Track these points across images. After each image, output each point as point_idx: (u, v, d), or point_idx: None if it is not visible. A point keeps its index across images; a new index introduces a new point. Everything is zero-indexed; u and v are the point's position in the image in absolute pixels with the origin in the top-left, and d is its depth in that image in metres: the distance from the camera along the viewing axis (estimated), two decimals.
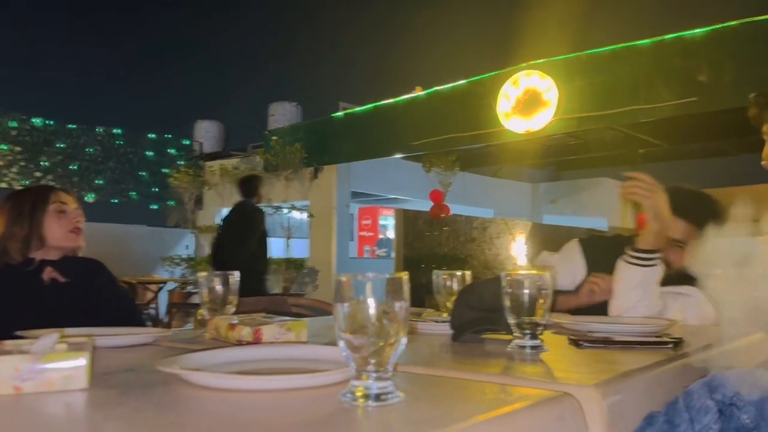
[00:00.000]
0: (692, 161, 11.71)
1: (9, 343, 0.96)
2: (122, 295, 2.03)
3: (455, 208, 9.76)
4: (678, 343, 1.19)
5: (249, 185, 5.88)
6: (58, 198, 1.92)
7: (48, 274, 1.85)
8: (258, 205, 5.88)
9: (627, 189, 1.80)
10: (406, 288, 0.73)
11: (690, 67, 6.29)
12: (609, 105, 6.90)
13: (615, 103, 6.84)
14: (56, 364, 0.81)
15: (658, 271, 1.74)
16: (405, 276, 0.73)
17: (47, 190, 1.95)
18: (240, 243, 5.59)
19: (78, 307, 1.82)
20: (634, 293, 1.72)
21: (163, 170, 11.08)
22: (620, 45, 6.90)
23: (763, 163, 1.21)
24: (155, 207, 11.37)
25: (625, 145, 9.84)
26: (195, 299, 7.97)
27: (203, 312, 1.48)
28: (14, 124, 9.62)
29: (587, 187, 12.09)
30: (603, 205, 12.34)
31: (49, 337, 0.89)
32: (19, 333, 1.23)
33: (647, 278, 1.73)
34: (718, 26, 6.22)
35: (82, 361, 0.82)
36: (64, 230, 1.89)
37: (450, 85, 8.44)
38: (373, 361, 0.71)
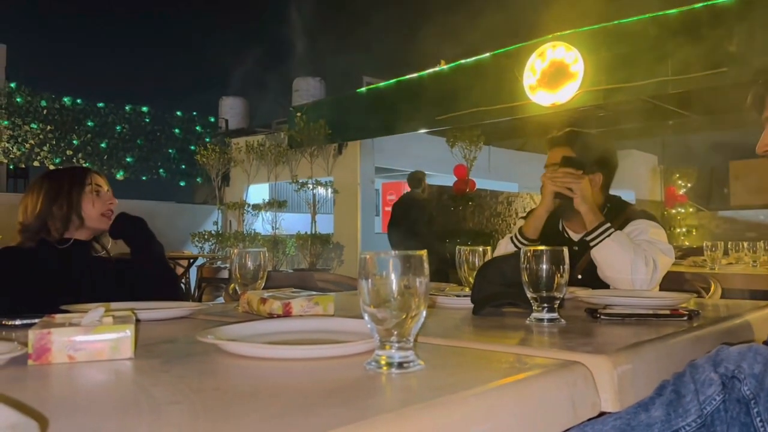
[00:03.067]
0: (722, 132, 11.47)
1: (59, 317, 1.04)
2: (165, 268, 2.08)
3: (480, 183, 9.74)
4: (693, 315, 1.22)
5: (416, 179, 7.39)
6: (94, 179, 1.97)
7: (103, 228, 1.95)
8: (423, 194, 7.38)
9: (556, 180, 1.96)
10: (426, 264, 0.78)
11: (719, 37, 6.15)
12: (637, 76, 6.79)
13: (643, 74, 6.72)
14: (105, 336, 0.88)
15: (620, 233, 1.89)
16: (425, 254, 0.78)
17: (84, 171, 1.99)
18: (411, 227, 7.01)
19: (119, 280, 1.90)
20: (626, 260, 1.81)
21: (190, 147, 11.24)
22: (647, 15, 6.76)
23: (758, 151, 1.24)
24: (183, 184, 11.56)
25: (654, 117, 9.68)
26: (224, 274, 8.13)
27: (235, 287, 1.55)
28: (44, 103, 9.82)
29: None
30: (631, 176, 12.19)
31: (96, 311, 0.96)
32: (65, 307, 1.31)
33: (621, 243, 1.84)
34: None
35: (127, 333, 0.89)
36: (98, 212, 1.94)
37: (474, 58, 8.37)
38: (395, 332, 0.77)
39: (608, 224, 1.89)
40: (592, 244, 1.88)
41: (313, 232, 9.21)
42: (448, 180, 9.47)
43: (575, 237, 2.11)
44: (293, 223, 10.22)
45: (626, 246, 1.84)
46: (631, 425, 0.80)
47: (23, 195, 1.98)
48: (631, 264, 1.80)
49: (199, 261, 8.28)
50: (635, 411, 0.83)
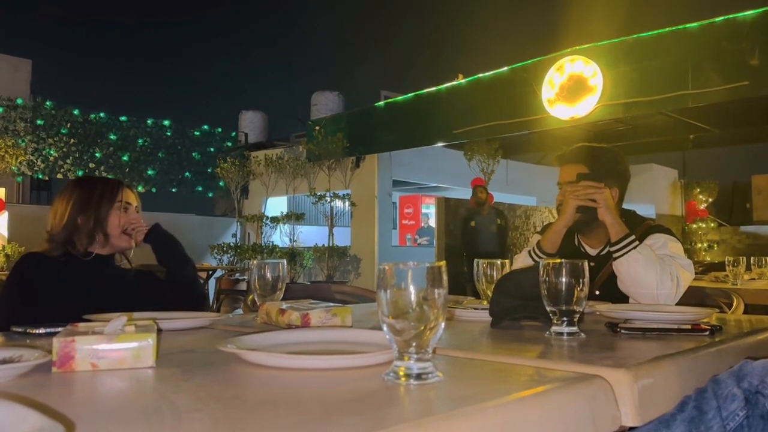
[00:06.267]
0: (744, 146, 11.35)
1: (82, 326, 1.05)
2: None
3: (498, 196, 9.71)
4: (716, 330, 1.21)
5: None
6: (123, 196, 1.95)
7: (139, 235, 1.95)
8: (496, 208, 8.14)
9: (578, 194, 1.94)
10: (445, 276, 0.78)
11: (741, 51, 6.10)
12: (656, 90, 6.75)
13: (663, 88, 6.69)
14: (127, 344, 0.89)
15: (646, 246, 1.85)
16: (443, 265, 0.78)
17: (116, 185, 1.96)
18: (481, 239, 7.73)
19: (138, 291, 1.92)
20: (651, 272, 1.79)
21: (210, 161, 11.37)
22: (667, 29, 6.74)
23: None
24: (203, 195, 11.67)
25: (674, 131, 9.61)
26: (242, 286, 8.17)
27: (254, 298, 1.56)
28: (68, 117, 10.00)
29: (635, 173, 11.75)
30: (651, 191, 12.08)
31: (118, 320, 0.98)
32: (87, 317, 1.33)
33: (647, 256, 1.81)
34: None
35: (149, 342, 0.90)
36: (119, 230, 1.91)
37: (492, 72, 8.38)
38: (414, 343, 0.77)
39: (633, 236, 1.85)
40: (616, 255, 1.85)
41: (331, 244, 9.24)
42: (465, 193, 9.46)
43: (592, 252, 2.09)
44: (311, 235, 10.27)
45: (652, 260, 1.81)
46: None
47: (55, 199, 1.96)
48: (658, 279, 1.77)
49: (218, 273, 8.34)
50: (656, 428, 0.81)
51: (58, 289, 1.82)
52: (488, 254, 7.23)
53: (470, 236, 7.92)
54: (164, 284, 2.04)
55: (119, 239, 1.92)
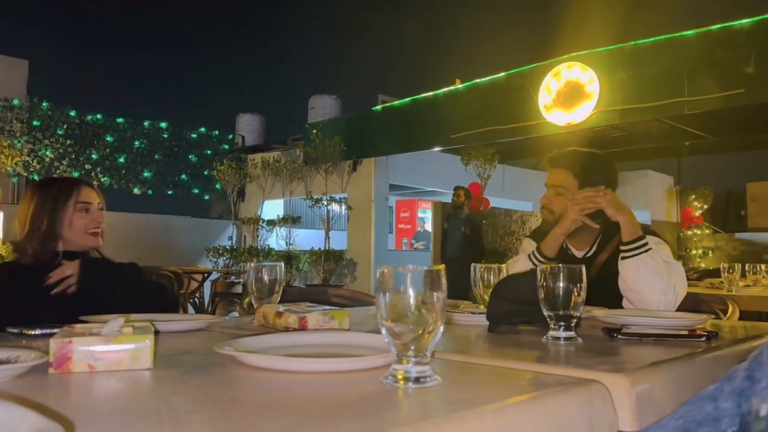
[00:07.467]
0: (740, 154, 11.40)
1: (79, 327, 1.05)
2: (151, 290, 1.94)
3: (494, 201, 9.73)
4: (712, 336, 1.21)
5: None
6: (80, 196, 1.84)
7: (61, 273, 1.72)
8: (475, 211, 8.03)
9: (584, 203, 1.92)
10: (444, 280, 0.78)
11: (736, 59, 6.14)
12: (653, 97, 6.78)
13: (659, 95, 6.72)
14: (125, 346, 0.89)
15: (655, 252, 1.83)
16: (442, 268, 0.78)
17: (71, 185, 1.86)
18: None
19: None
20: (657, 279, 1.78)
21: (207, 163, 11.35)
22: (664, 36, 6.77)
23: None
24: (200, 197, 11.65)
25: (670, 137, 9.65)
26: (237, 289, 8.15)
27: (251, 300, 1.56)
28: (66, 117, 9.97)
29: (631, 180, 11.91)
30: (646, 197, 12.11)
31: (116, 321, 0.98)
32: (84, 318, 1.33)
33: (656, 260, 1.80)
34: (766, 16, 6.05)
35: (147, 343, 0.90)
36: (83, 231, 1.83)
37: (489, 77, 8.40)
38: (412, 347, 0.77)
39: (646, 240, 1.84)
40: (625, 255, 1.84)
41: (327, 248, 9.22)
42: None
43: (578, 254, 2.09)
44: (307, 239, 10.25)
45: (660, 267, 1.80)
46: (696, 420, 0.73)
47: (19, 206, 1.87)
48: (662, 287, 1.76)
49: (213, 275, 8.32)
50: (700, 404, 0.75)
51: (34, 296, 1.73)
52: (454, 260, 7.14)
53: (443, 239, 7.93)
54: (140, 277, 1.92)
55: (84, 239, 1.84)
